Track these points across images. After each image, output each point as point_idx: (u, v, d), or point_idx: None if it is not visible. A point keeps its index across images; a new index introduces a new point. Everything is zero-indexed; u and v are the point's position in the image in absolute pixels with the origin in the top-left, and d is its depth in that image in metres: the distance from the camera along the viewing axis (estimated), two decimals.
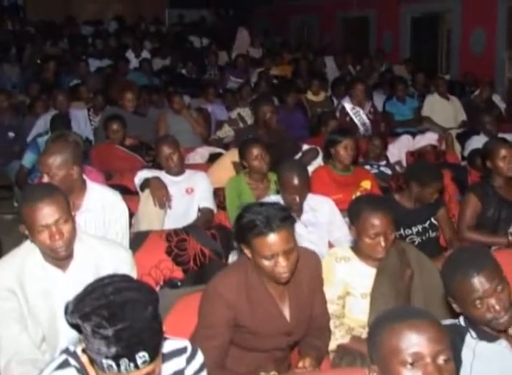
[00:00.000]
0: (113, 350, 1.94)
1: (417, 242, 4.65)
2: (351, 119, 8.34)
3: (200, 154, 7.33)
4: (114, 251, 3.33)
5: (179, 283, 4.46)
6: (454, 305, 2.68)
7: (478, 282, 2.54)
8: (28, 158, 6.97)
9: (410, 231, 4.69)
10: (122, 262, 3.30)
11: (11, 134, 8.23)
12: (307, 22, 19.35)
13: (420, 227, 4.73)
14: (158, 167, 5.46)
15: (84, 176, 4.15)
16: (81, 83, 10.52)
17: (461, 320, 2.70)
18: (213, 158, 6.95)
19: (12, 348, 3.01)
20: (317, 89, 10.01)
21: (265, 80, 10.92)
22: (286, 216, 2.92)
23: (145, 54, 14.17)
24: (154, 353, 2.03)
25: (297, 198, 4.39)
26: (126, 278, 2.15)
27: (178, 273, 4.50)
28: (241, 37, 15.97)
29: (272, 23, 19.87)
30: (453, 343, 2.17)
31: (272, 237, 2.84)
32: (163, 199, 4.94)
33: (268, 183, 5.36)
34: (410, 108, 9.67)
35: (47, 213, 2.96)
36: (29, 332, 3.09)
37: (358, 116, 8.39)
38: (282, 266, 2.86)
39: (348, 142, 5.50)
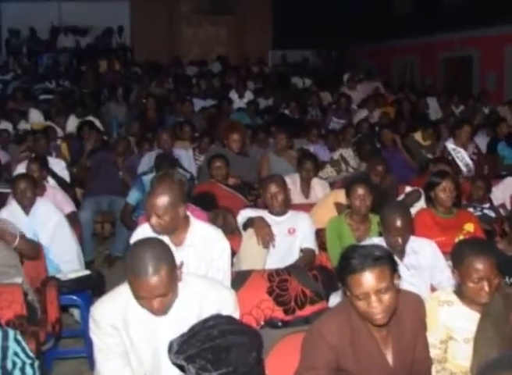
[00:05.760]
0: None
1: None
2: (453, 159, 8.27)
3: None
4: (217, 292, 3.29)
5: (279, 324, 4.47)
6: None
7: None
8: (133, 196, 7.12)
9: None
10: (225, 303, 3.24)
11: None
12: (409, 62, 19.31)
13: None
14: (261, 207, 5.53)
15: (188, 213, 4.18)
16: (185, 122, 10.69)
17: None
18: None
19: None
20: (429, 136, 9.55)
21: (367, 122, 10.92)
22: (382, 256, 2.90)
23: (248, 94, 14.32)
24: None
25: (400, 240, 4.38)
26: (230, 320, 2.16)
27: (279, 313, 4.52)
28: None
29: (373, 63, 19.88)
30: None
31: (364, 275, 2.84)
32: (267, 238, 4.98)
33: (370, 224, 5.36)
34: None
35: (150, 289, 2.89)
36: (132, 367, 3.16)
37: (460, 156, 8.32)
38: (374, 306, 2.85)
39: (447, 184, 5.47)
